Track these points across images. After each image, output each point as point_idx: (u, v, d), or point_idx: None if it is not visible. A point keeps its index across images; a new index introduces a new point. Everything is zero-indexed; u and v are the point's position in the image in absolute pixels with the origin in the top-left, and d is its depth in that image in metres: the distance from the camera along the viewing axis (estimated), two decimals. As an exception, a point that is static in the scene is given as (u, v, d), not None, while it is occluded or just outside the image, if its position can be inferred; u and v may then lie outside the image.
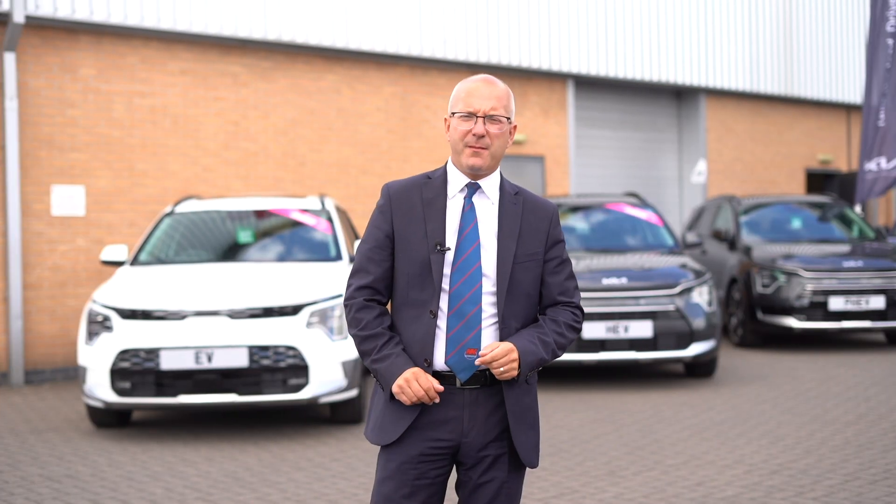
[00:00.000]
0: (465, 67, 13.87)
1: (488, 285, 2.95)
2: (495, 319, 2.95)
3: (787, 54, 17.97)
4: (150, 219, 10.94)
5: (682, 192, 17.33)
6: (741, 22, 17.24)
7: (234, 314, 7.29)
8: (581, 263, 9.74)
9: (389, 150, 13.16)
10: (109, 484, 6.15)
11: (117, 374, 7.21)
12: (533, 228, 3.02)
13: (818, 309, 11.05)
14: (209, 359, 7.14)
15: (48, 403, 9.08)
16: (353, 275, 3.05)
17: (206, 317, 7.28)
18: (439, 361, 2.94)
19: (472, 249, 2.94)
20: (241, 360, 7.15)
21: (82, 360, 7.49)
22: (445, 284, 2.93)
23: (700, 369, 9.57)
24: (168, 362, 7.14)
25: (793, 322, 11.13)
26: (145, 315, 7.35)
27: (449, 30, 13.52)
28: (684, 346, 9.07)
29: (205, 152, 11.67)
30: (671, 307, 9.08)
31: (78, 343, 7.73)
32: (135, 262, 8.52)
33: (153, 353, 7.17)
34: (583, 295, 8.97)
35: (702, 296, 9.29)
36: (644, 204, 11.22)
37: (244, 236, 8.82)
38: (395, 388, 2.90)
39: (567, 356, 9.04)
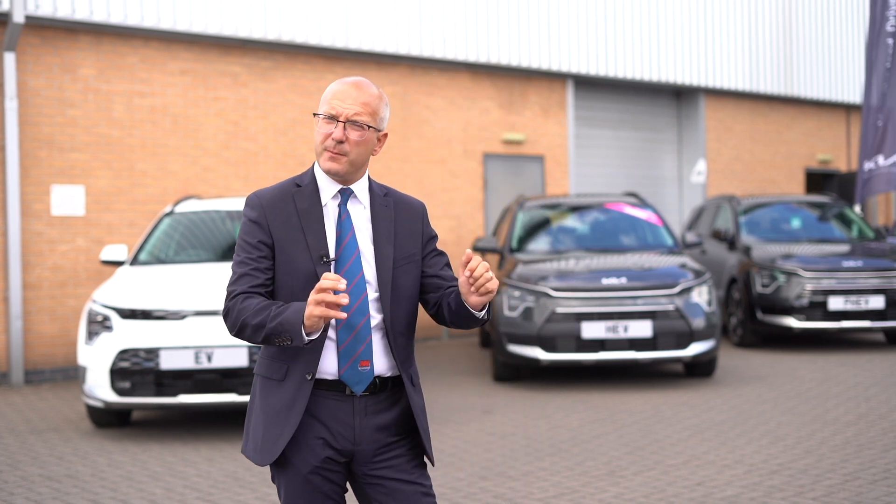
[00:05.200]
0: (465, 67, 13.87)
1: (371, 292, 2.86)
2: (382, 326, 2.88)
3: (787, 54, 17.98)
4: (150, 219, 10.94)
5: (681, 192, 17.33)
6: (741, 22, 17.24)
7: (234, 314, 7.28)
8: (580, 263, 9.74)
9: (389, 150, 13.17)
10: (109, 484, 6.15)
11: (117, 373, 7.21)
12: (407, 230, 2.96)
13: (818, 309, 11.05)
14: (209, 358, 7.15)
15: (48, 403, 9.08)
16: (232, 283, 2.85)
17: (205, 316, 7.28)
18: (328, 371, 2.84)
19: (353, 259, 2.84)
20: (240, 359, 7.16)
21: (82, 359, 7.49)
22: None
23: (700, 369, 9.57)
24: (168, 362, 7.15)
25: (792, 322, 11.13)
26: (145, 315, 7.35)
27: (449, 30, 13.52)
28: (684, 345, 9.07)
29: (205, 152, 11.67)
30: (671, 307, 9.08)
31: (78, 343, 7.73)
32: (134, 261, 8.52)
33: (153, 353, 7.18)
34: (582, 294, 9.07)
35: (701, 295, 9.29)
36: (644, 204, 11.22)
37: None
38: (309, 320, 2.64)
39: (567, 356, 9.04)
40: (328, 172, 2.86)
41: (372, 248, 2.89)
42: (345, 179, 2.89)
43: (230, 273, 2.89)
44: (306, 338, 2.69)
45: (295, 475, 2.86)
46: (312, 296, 2.64)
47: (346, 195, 2.90)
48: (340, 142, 2.82)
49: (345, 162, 2.84)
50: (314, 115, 2.87)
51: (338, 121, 2.83)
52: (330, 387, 2.85)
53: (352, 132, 2.83)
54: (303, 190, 2.89)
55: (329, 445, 2.85)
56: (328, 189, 2.90)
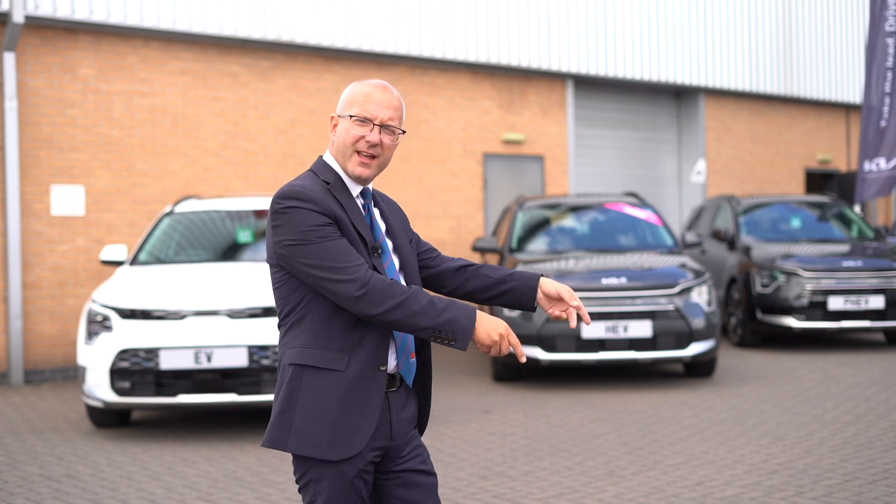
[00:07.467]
0: (465, 67, 13.87)
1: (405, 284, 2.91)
2: None
3: (787, 54, 17.98)
4: (150, 219, 10.95)
5: (681, 192, 17.33)
6: (741, 22, 17.24)
7: (234, 314, 7.30)
8: (580, 263, 9.74)
9: (389, 149, 13.16)
10: (109, 484, 6.15)
11: (117, 373, 7.22)
12: (402, 224, 3.03)
13: (817, 309, 11.05)
14: (209, 358, 7.15)
15: (48, 403, 9.09)
16: (346, 261, 2.69)
17: (205, 316, 7.28)
18: (391, 365, 2.84)
19: (389, 253, 2.90)
20: (240, 359, 7.16)
21: (82, 359, 7.49)
22: None
23: (699, 369, 9.57)
24: (167, 362, 7.15)
25: (792, 322, 11.13)
26: (145, 315, 7.35)
27: (449, 30, 13.52)
28: (684, 345, 9.07)
29: (205, 152, 11.67)
30: (670, 307, 9.08)
31: (77, 343, 7.74)
32: (134, 261, 8.52)
33: (153, 353, 7.18)
34: (582, 294, 9.06)
35: (701, 295, 9.29)
36: (643, 204, 11.22)
37: (243, 236, 8.82)
38: (488, 338, 2.72)
39: (567, 356, 9.04)
40: (358, 177, 2.84)
41: (391, 243, 2.93)
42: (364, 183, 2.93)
43: (318, 258, 2.69)
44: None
45: (341, 479, 2.77)
46: (502, 332, 2.74)
47: (367, 193, 2.92)
48: (375, 145, 2.82)
49: (375, 166, 2.84)
50: (345, 116, 2.82)
51: (373, 124, 2.81)
52: (391, 383, 2.85)
53: (385, 137, 2.83)
54: (334, 186, 2.84)
55: (374, 446, 2.81)
56: (353, 187, 2.89)
